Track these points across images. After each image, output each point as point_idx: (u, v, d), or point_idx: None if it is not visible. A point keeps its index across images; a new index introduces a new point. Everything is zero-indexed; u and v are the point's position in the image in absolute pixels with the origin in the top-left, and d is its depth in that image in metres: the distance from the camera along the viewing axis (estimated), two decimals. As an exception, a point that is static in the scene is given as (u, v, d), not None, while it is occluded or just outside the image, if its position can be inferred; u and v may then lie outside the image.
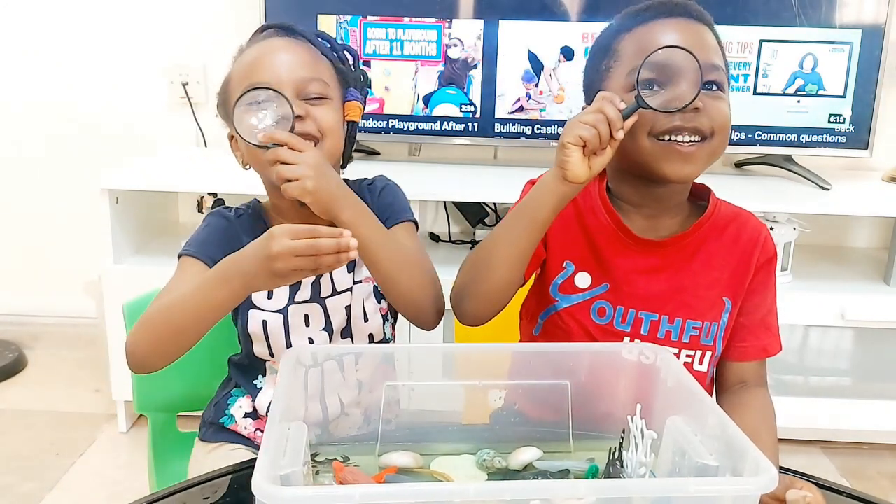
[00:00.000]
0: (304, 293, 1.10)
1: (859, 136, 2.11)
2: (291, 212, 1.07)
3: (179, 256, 1.07)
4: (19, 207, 2.59)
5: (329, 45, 1.10)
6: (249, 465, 0.94)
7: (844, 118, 2.11)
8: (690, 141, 0.96)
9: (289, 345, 1.10)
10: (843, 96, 2.10)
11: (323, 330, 1.10)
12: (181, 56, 2.42)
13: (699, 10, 1.02)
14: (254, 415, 1.15)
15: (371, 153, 2.35)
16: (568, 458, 0.90)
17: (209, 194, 2.26)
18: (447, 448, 0.91)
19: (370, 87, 1.16)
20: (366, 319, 1.11)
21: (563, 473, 0.87)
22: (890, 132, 2.21)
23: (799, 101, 2.11)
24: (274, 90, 0.99)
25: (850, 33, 2.07)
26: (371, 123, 2.16)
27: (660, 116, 0.94)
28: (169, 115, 2.47)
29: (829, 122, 2.12)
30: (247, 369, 1.16)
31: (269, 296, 1.09)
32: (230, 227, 1.10)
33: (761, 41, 2.07)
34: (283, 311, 1.09)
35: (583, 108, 1.05)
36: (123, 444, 2.11)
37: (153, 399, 1.28)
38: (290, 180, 0.96)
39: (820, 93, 2.10)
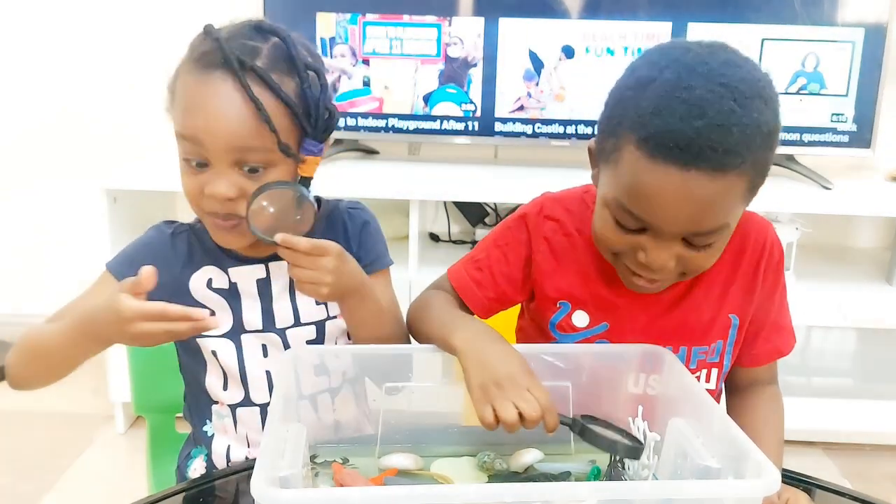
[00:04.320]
0: (254, 321, 1.01)
1: (862, 135, 2.11)
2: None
3: (107, 265, 1.03)
4: (18, 207, 2.59)
5: (292, 89, 0.93)
6: (249, 467, 0.93)
7: (847, 117, 2.10)
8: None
9: (243, 377, 1.02)
10: (846, 95, 2.09)
11: None
12: (181, 56, 2.41)
13: (735, 150, 0.81)
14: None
15: (370, 152, 2.34)
16: (569, 460, 0.90)
17: (208, 194, 2.25)
18: (447, 450, 0.91)
19: (337, 121, 0.98)
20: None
21: (565, 475, 0.87)
22: (892, 131, 2.20)
23: (801, 101, 2.11)
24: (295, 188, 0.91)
25: (853, 32, 2.06)
26: (371, 122, 2.15)
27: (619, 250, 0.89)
28: (168, 114, 2.46)
29: (832, 121, 2.11)
30: (197, 413, 1.08)
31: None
32: (161, 247, 1.03)
33: (763, 40, 2.06)
34: (235, 340, 1.01)
35: (589, 149, 0.94)
36: (121, 446, 2.11)
37: (152, 400, 1.27)
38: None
39: (822, 92, 2.09)
